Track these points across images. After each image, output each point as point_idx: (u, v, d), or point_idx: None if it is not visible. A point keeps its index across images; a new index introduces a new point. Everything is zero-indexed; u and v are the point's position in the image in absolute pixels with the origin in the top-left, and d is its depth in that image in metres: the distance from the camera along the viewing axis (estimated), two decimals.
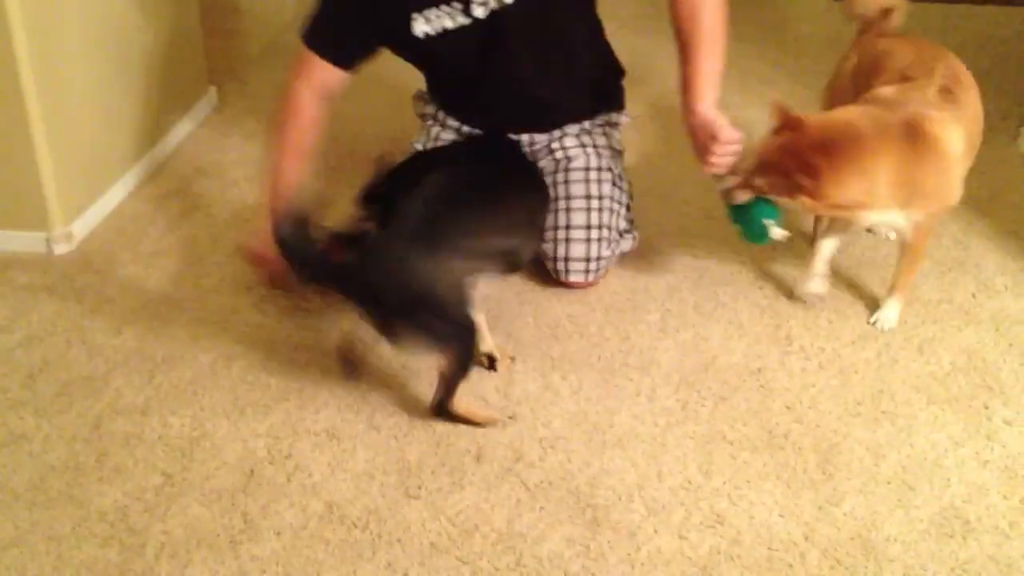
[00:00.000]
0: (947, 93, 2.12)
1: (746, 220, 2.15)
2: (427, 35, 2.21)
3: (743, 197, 2.11)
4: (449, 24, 2.20)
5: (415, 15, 2.18)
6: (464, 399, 1.95)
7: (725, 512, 1.78)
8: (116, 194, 2.72)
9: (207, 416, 1.99)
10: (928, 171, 2.03)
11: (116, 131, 2.73)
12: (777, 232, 2.11)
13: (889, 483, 1.84)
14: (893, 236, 2.43)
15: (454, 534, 1.74)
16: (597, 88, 2.48)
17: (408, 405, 2.01)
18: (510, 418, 1.99)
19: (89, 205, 2.60)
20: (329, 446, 1.92)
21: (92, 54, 2.58)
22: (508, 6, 2.18)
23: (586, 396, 2.05)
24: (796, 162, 1.99)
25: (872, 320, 2.25)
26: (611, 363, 2.14)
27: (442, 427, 1.96)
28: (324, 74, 2.25)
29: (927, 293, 2.36)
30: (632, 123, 2.64)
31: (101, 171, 2.66)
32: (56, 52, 2.40)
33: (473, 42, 2.23)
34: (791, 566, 1.68)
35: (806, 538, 1.73)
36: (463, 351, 1.90)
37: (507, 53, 2.26)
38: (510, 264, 2.15)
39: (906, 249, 2.20)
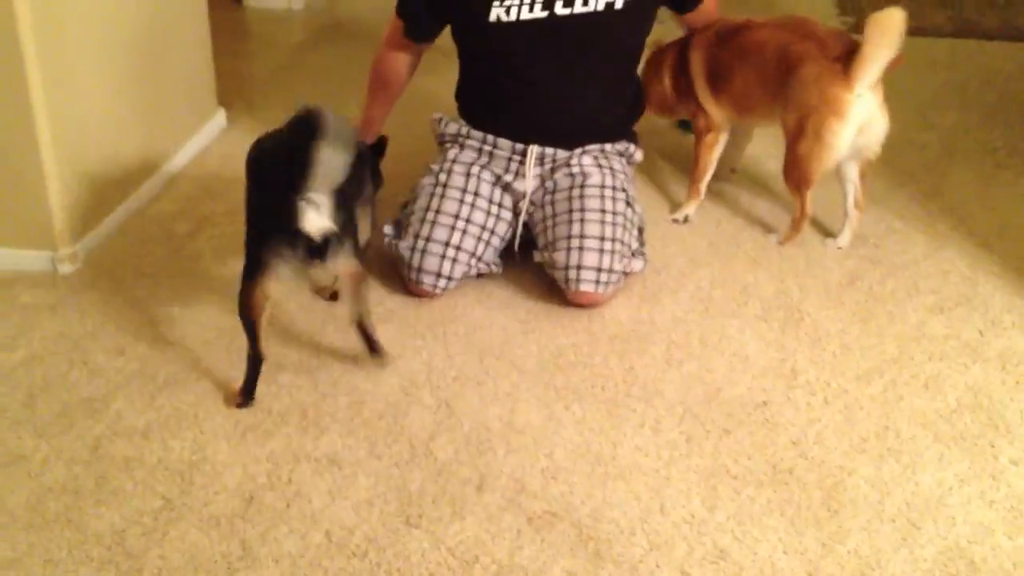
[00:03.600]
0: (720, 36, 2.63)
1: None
2: (500, 20, 2.33)
3: None
4: (527, 15, 2.31)
5: (496, 1, 2.32)
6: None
7: (728, 548, 1.77)
8: (122, 213, 2.72)
9: (208, 440, 1.98)
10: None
11: (124, 150, 2.73)
12: None
13: (894, 521, 1.82)
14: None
15: (454, 565, 1.72)
16: (623, 117, 2.57)
17: (410, 433, 2.00)
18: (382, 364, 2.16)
19: (95, 224, 2.60)
20: (330, 472, 1.91)
21: (102, 73, 2.58)
22: (590, 13, 2.32)
23: (589, 427, 2.04)
24: None
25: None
26: (615, 394, 2.13)
27: (443, 455, 1.95)
28: (404, 43, 2.56)
29: (933, 329, 2.35)
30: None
31: (108, 190, 2.66)
32: (66, 71, 2.41)
33: (542, 38, 2.35)
34: None
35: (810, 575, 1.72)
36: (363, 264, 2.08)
37: (568, 58, 2.38)
38: None
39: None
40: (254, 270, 1.98)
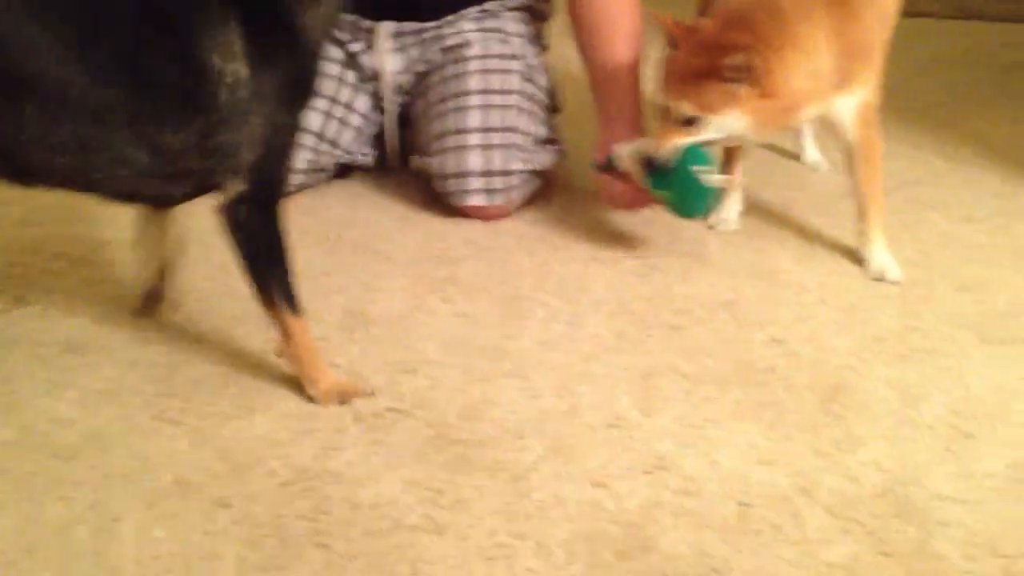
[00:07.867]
0: None
1: (679, 182, 1.50)
2: None
3: (670, 151, 1.47)
4: None
5: None
6: None
7: (671, 456, 1.10)
8: None
9: None
10: (861, 36, 1.49)
11: None
12: (718, 179, 1.52)
13: (932, 427, 1.17)
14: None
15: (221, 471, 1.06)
16: None
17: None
18: None
19: None
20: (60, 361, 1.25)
21: None
22: None
23: (476, 319, 1.39)
24: (722, 52, 1.40)
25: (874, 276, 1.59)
26: (518, 288, 1.49)
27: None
28: None
29: (965, 236, 1.71)
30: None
31: None
32: None
33: None
34: (777, 527, 1.00)
35: (804, 491, 1.05)
36: None
37: None
38: None
39: (857, 160, 1.57)
40: None
